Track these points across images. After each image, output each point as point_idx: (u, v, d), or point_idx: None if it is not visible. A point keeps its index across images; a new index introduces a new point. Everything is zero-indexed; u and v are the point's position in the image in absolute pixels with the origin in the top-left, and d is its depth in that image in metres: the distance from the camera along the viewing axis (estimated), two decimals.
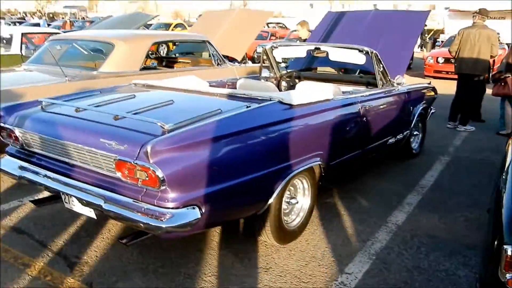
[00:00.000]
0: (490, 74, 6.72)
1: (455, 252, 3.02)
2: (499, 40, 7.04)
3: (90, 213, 2.50)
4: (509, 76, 6.07)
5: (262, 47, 5.03)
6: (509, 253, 1.60)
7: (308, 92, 3.26)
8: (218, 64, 6.06)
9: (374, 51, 4.07)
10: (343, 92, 3.82)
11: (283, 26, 23.39)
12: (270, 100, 2.85)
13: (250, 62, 8.32)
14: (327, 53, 4.40)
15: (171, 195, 2.16)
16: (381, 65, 4.16)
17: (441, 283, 2.64)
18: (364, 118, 3.70)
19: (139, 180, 2.17)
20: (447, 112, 6.84)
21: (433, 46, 19.46)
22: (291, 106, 2.89)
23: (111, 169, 2.31)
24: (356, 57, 4.18)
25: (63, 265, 2.74)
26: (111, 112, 2.57)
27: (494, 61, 6.68)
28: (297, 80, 4.99)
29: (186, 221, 2.17)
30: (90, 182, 2.44)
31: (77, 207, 2.52)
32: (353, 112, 3.55)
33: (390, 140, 4.33)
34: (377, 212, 3.64)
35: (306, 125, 3.01)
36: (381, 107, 4.03)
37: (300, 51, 4.70)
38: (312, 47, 4.58)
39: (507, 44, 12.89)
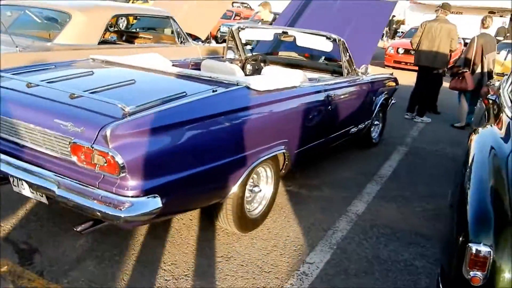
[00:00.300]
0: (446, 68, 6.91)
1: (413, 242, 3.08)
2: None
3: (42, 198, 2.33)
4: (466, 71, 6.26)
5: (228, 27, 4.88)
6: (473, 251, 1.62)
7: (275, 78, 3.18)
8: (181, 42, 5.85)
9: (342, 39, 4.03)
10: (310, 80, 3.77)
11: (248, 6, 23.07)
12: (238, 85, 2.75)
13: (213, 41, 8.12)
14: (295, 38, 4.33)
15: (131, 182, 2.03)
16: (347, 54, 4.15)
17: (400, 274, 2.69)
18: (330, 107, 3.68)
19: (97, 165, 2.03)
20: (405, 103, 6.99)
21: (393, 37, 19.87)
22: (258, 92, 2.81)
23: (66, 153, 2.15)
24: (323, 44, 4.13)
25: (11, 252, 2.57)
26: (66, 89, 2.38)
27: (451, 55, 6.86)
28: (262, 64, 4.89)
29: (147, 210, 2.06)
30: (43, 166, 2.26)
31: (27, 191, 2.34)
32: (319, 100, 3.51)
33: (352, 129, 4.36)
34: (338, 201, 3.66)
35: (273, 112, 2.94)
36: (346, 96, 4.03)
37: (267, 34, 4.60)
38: (280, 31, 4.49)
39: (463, 38, 13.32)
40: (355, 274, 2.65)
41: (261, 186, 3.07)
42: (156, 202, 2.09)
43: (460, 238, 1.72)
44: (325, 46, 4.12)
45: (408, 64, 11.69)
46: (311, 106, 3.39)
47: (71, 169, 2.17)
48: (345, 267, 2.72)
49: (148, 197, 2.07)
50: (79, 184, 2.12)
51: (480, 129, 2.70)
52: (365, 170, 4.44)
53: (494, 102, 3.20)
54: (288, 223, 3.22)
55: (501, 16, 23.50)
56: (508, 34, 16.21)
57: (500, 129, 2.50)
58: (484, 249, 1.61)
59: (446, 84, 6.91)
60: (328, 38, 4.05)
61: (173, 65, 3.58)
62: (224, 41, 6.76)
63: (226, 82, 2.82)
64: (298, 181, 3.93)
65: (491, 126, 2.69)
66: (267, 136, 2.87)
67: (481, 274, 1.61)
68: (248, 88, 2.76)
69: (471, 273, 1.62)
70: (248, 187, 2.85)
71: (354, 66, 4.31)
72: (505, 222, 1.68)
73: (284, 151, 3.05)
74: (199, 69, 3.89)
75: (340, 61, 4.28)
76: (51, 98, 2.35)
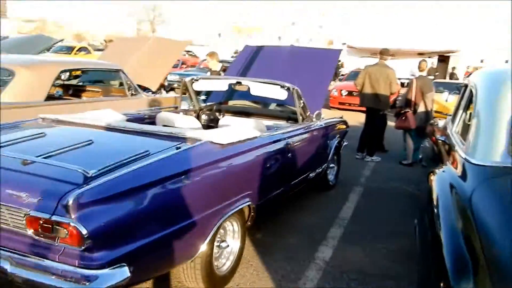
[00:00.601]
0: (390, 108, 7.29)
1: (383, 286, 3.08)
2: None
3: None
4: (408, 111, 6.63)
5: (178, 76, 4.88)
6: None
7: (236, 130, 3.17)
8: (132, 94, 5.76)
9: (295, 87, 4.14)
10: (268, 128, 3.80)
11: (193, 54, 23.41)
12: (200, 140, 2.70)
13: (164, 91, 8.08)
14: (249, 88, 4.39)
15: (96, 254, 1.89)
16: (301, 101, 4.25)
17: None
18: (289, 154, 3.70)
19: (57, 238, 1.87)
20: (354, 143, 7.20)
21: (334, 79, 20.79)
22: (221, 145, 2.78)
23: (20, 226, 1.97)
24: (278, 93, 4.21)
25: None
26: (17, 155, 2.22)
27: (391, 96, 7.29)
28: (217, 114, 4.90)
29: (114, 282, 1.91)
30: None
31: None
32: (279, 149, 3.53)
33: (311, 174, 4.40)
34: (304, 248, 3.62)
35: (237, 165, 2.90)
36: (304, 142, 4.09)
37: (221, 85, 4.63)
38: (234, 81, 4.54)
39: (399, 79, 14.19)
40: None
41: (228, 241, 2.98)
42: (123, 272, 1.95)
43: (441, 285, 1.72)
44: (280, 94, 4.20)
45: (352, 105, 12.22)
46: (272, 155, 3.39)
47: (25, 243, 1.99)
48: None
49: (114, 268, 1.93)
50: (36, 259, 1.93)
51: (437, 170, 2.80)
52: (326, 214, 4.46)
53: (444, 142, 3.35)
54: (258, 276, 3.12)
55: (429, 57, 25.56)
56: (437, 73, 17.57)
57: (456, 168, 2.61)
58: None
59: (391, 123, 7.24)
60: (282, 86, 4.13)
61: (127, 120, 3.48)
62: (172, 89, 6.75)
63: (188, 137, 2.76)
64: (262, 231, 3.86)
65: (447, 165, 2.80)
66: (232, 190, 2.82)
67: None
68: (211, 142, 2.72)
69: None
70: (215, 243, 2.75)
71: (309, 112, 4.41)
72: (481, 266, 1.70)
73: (249, 203, 3.00)
74: (155, 122, 3.82)
75: (293, 107, 4.36)
76: (0, 166, 2.17)
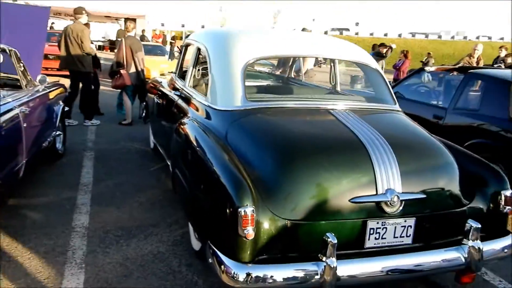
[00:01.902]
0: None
1: (148, 234, 3.33)
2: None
3: None
4: (121, 70, 6.84)
5: None
6: (243, 213, 2.05)
7: None
8: None
9: (13, 49, 3.67)
10: None
11: None
12: None
13: None
14: None
15: None
16: (21, 64, 3.81)
17: (154, 264, 2.90)
18: (22, 124, 3.33)
19: None
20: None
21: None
22: None
23: None
24: None
25: None
26: None
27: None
28: None
29: None
30: None
31: None
32: (10, 119, 3.12)
33: (44, 144, 4.08)
34: (58, 221, 3.43)
35: None
36: (36, 110, 3.73)
37: None
38: None
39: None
40: (118, 282, 2.68)
41: None
42: None
43: (228, 209, 2.12)
44: None
45: (49, 69, 11.32)
46: (8, 126, 2.99)
47: None
48: (105, 279, 2.69)
49: None
50: None
51: (185, 120, 3.16)
52: (67, 183, 4.26)
53: (180, 96, 3.76)
54: (22, 259, 2.81)
55: (116, 19, 26.08)
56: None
57: (205, 116, 3.05)
58: (249, 209, 2.07)
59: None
60: None
61: None
62: None
63: None
64: (2, 215, 3.39)
65: (193, 115, 3.21)
66: None
67: (251, 229, 2.06)
68: None
69: (245, 231, 2.05)
70: None
71: (30, 77, 4.00)
72: (250, 185, 2.18)
73: None
74: None
75: (11, 73, 3.87)
76: None
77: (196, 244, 3.00)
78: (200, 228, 2.51)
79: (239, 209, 2.06)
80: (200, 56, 3.65)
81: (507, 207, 2.53)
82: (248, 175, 2.26)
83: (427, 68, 5.51)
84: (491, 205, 2.54)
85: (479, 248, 2.30)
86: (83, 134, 6.28)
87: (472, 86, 4.70)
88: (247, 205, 2.07)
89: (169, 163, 4.10)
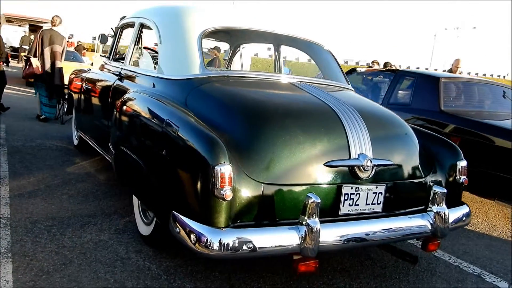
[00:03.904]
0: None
1: (85, 223, 2.94)
2: None
3: None
4: (29, 57, 6.27)
5: None
6: (220, 171, 1.85)
7: None
8: None
9: None
10: None
11: None
12: None
13: None
14: None
15: None
16: None
17: (97, 251, 2.54)
18: None
19: None
20: None
21: None
22: None
23: None
24: None
25: None
26: None
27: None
28: None
29: None
30: None
31: None
32: None
33: None
34: None
35: None
36: None
37: None
38: None
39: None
40: (56, 269, 2.29)
41: None
42: None
43: (202, 169, 1.90)
44: None
45: None
46: None
47: None
48: (40, 267, 2.29)
49: None
50: None
51: (130, 96, 2.86)
52: None
53: (120, 76, 3.43)
54: None
55: (19, 25, 24.10)
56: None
57: (154, 87, 2.80)
58: (227, 167, 1.87)
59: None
60: None
61: None
62: None
63: None
64: None
65: (140, 89, 2.92)
66: None
67: (229, 189, 1.86)
68: None
69: (222, 191, 1.85)
70: None
71: None
72: (222, 143, 1.99)
73: None
74: None
75: None
76: None
77: (144, 230, 2.71)
78: (159, 202, 2.23)
79: (216, 167, 1.86)
80: (143, 32, 3.40)
81: (463, 177, 2.61)
82: (219, 138, 2.06)
83: (358, 69, 5.74)
84: (449, 175, 2.60)
85: (444, 213, 2.32)
86: None
87: (402, 84, 4.96)
88: (224, 162, 1.87)
89: (101, 152, 3.73)
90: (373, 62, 9.84)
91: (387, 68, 6.71)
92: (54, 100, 6.59)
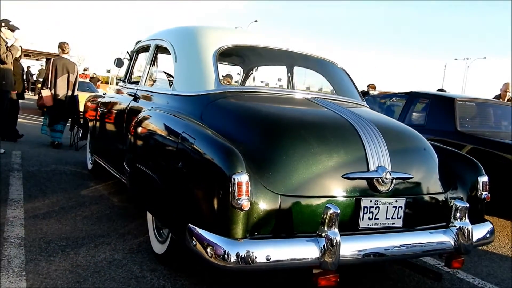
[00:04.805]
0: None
1: (99, 243, 2.90)
2: None
3: None
4: (43, 89, 6.41)
5: None
6: (237, 180, 1.82)
7: None
8: None
9: None
10: None
11: None
12: None
13: None
14: None
15: None
16: None
17: (111, 271, 2.49)
18: None
19: None
20: None
21: None
22: None
23: None
24: None
25: None
26: None
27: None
28: None
29: None
30: None
31: None
32: None
33: None
34: None
35: None
36: None
37: None
38: None
39: None
40: (69, 287, 2.24)
41: None
42: None
43: (219, 179, 1.87)
44: None
45: None
46: None
47: None
48: (54, 285, 2.24)
49: None
50: None
51: (145, 115, 2.86)
52: None
53: (135, 97, 3.47)
54: None
55: (37, 59, 24.91)
56: None
57: (170, 104, 2.82)
58: (244, 176, 1.84)
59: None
60: None
61: None
62: None
63: None
64: None
65: (155, 107, 2.94)
66: None
67: (246, 198, 1.83)
68: None
69: (240, 201, 1.81)
70: None
71: None
72: (239, 154, 1.96)
73: None
74: None
75: None
76: None
77: (159, 248, 2.66)
78: (174, 216, 2.20)
79: (233, 177, 1.83)
80: (158, 54, 3.46)
81: (484, 193, 2.54)
82: (235, 148, 2.05)
83: (371, 92, 5.75)
84: (470, 191, 2.54)
85: (467, 228, 2.25)
86: (6, 157, 5.58)
87: (416, 105, 4.93)
88: (241, 171, 1.85)
89: (115, 173, 3.73)
90: (369, 86, 9.80)
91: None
92: (59, 125, 6.67)
